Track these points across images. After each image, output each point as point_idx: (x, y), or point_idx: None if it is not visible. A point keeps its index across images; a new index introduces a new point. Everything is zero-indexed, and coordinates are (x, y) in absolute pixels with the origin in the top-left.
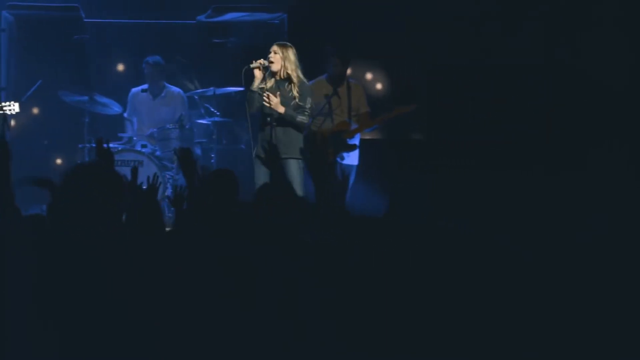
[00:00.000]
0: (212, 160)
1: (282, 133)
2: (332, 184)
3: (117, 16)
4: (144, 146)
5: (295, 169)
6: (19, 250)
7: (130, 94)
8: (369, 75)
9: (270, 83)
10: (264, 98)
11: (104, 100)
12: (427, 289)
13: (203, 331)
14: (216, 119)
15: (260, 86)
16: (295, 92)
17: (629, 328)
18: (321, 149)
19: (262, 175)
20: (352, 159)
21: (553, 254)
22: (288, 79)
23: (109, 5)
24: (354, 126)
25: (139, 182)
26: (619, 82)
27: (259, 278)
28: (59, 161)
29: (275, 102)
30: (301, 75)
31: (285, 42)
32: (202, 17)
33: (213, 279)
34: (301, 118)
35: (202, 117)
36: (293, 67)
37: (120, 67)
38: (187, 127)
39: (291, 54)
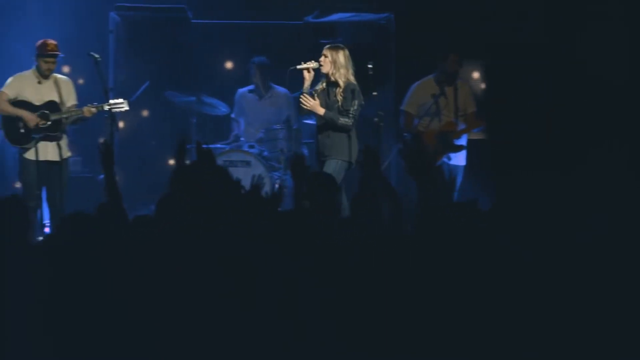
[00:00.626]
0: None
1: (326, 137)
2: (436, 187)
3: (224, 17)
4: (251, 147)
5: (331, 169)
6: (128, 250)
7: (237, 94)
8: (476, 75)
9: (322, 86)
10: (301, 100)
11: (211, 100)
12: (427, 289)
13: (203, 331)
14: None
15: (309, 91)
16: (339, 96)
17: (629, 328)
18: (423, 151)
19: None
20: (459, 159)
21: (553, 254)
22: (336, 82)
23: (215, 6)
24: (461, 126)
25: (245, 183)
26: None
27: (259, 278)
28: (172, 161)
29: (312, 104)
30: (351, 78)
31: (337, 45)
32: (309, 18)
33: (213, 279)
34: (344, 120)
35: (309, 118)
36: (341, 70)
37: (227, 67)
38: (294, 127)
39: (341, 56)
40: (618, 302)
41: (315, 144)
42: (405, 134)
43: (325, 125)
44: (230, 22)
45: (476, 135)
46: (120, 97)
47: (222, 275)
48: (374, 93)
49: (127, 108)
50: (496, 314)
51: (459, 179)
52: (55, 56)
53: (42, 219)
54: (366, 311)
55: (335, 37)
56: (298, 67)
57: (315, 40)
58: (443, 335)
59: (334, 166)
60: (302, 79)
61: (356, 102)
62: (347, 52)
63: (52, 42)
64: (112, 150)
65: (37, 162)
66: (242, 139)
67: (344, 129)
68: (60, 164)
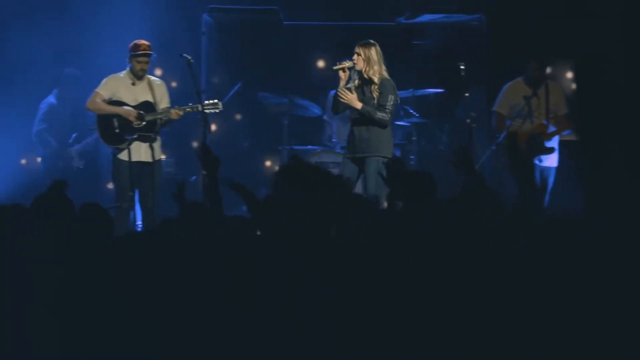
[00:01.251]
0: (412, 162)
1: (364, 131)
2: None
3: (316, 18)
4: (343, 148)
5: (372, 168)
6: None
7: (329, 96)
8: (569, 75)
9: (355, 83)
10: (339, 93)
11: (304, 102)
12: (427, 289)
13: (203, 331)
14: (415, 120)
15: (347, 86)
16: (375, 92)
17: (629, 328)
18: (520, 152)
19: (347, 171)
20: (551, 161)
21: (553, 254)
22: (371, 79)
23: (307, 7)
24: (551, 128)
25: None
26: None
27: (259, 278)
28: (268, 163)
29: (350, 98)
30: (385, 74)
31: (368, 41)
32: (401, 19)
33: (213, 279)
34: (381, 115)
35: (401, 119)
36: (375, 67)
37: (319, 69)
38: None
39: (373, 52)
40: (618, 303)
41: (350, 138)
42: (498, 135)
43: (363, 119)
44: (322, 23)
45: (569, 137)
46: (213, 99)
47: (223, 275)
48: (466, 94)
49: (221, 109)
50: (496, 314)
51: (551, 181)
52: (148, 55)
53: (135, 220)
54: (366, 311)
55: (427, 38)
56: (334, 67)
57: (408, 42)
58: (444, 335)
59: (377, 166)
60: (338, 78)
61: (392, 97)
62: (378, 48)
63: (144, 42)
64: (211, 152)
65: (130, 163)
66: (334, 140)
67: (380, 124)
68: (153, 165)
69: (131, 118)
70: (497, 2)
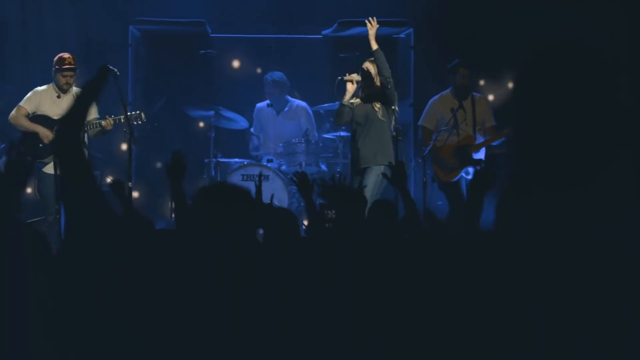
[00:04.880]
0: (337, 175)
1: (365, 145)
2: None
3: (242, 31)
4: (269, 161)
5: (371, 177)
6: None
7: (255, 109)
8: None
9: (357, 99)
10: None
11: (230, 114)
12: (428, 290)
13: (203, 331)
14: (342, 133)
15: (351, 101)
16: (377, 107)
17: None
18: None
19: (354, 183)
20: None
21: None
22: (375, 92)
23: (234, 20)
24: (479, 140)
25: (264, 197)
26: None
27: (257, 278)
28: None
29: (371, 33)
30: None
31: (372, 58)
32: (327, 32)
33: (212, 280)
34: (389, 76)
35: (328, 132)
36: (378, 82)
37: (246, 81)
38: (312, 141)
39: (372, 68)
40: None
41: (353, 152)
42: (424, 149)
43: (363, 132)
44: (249, 36)
45: (496, 149)
46: (139, 111)
47: (221, 275)
48: (392, 107)
49: (144, 120)
50: (498, 315)
51: None
52: (72, 69)
53: (61, 233)
54: (367, 311)
55: (353, 51)
56: (345, 78)
57: (334, 54)
58: (445, 336)
59: (376, 175)
60: (344, 90)
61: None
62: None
63: (68, 55)
64: (183, 161)
65: (56, 177)
66: (260, 152)
67: (389, 77)
68: None
69: (46, 140)
70: (424, 16)
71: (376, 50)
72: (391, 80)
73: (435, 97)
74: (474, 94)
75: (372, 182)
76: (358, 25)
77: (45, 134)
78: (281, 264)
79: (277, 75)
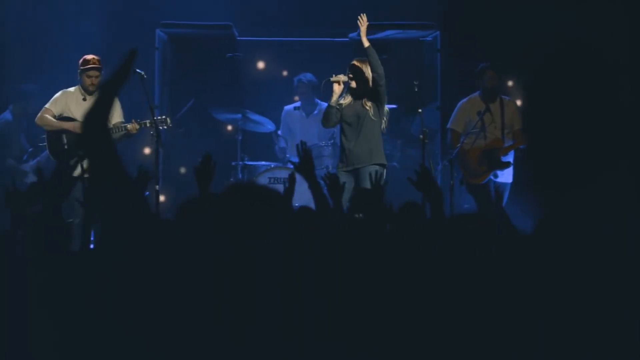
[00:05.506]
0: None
1: (355, 145)
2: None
3: (269, 34)
4: (292, 163)
5: (368, 178)
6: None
7: (283, 111)
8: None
9: (347, 99)
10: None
11: (257, 117)
12: (429, 291)
13: (203, 331)
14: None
15: (339, 102)
16: (367, 105)
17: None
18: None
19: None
20: (506, 177)
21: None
22: (364, 92)
23: (262, 23)
24: (507, 143)
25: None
26: None
27: (257, 278)
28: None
29: (363, 29)
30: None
31: (363, 58)
32: (354, 35)
33: (212, 280)
34: (381, 71)
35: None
36: (369, 82)
37: (273, 84)
38: (339, 144)
39: (368, 69)
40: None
41: (342, 152)
42: (451, 151)
43: (353, 133)
44: (276, 39)
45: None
46: (166, 114)
47: (220, 275)
48: (419, 110)
49: (169, 125)
50: (499, 316)
51: (506, 197)
52: (97, 69)
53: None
54: (368, 312)
55: (381, 54)
56: (331, 79)
57: (361, 57)
58: (446, 336)
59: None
60: (331, 91)
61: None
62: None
63: (93, 56)
64: (212, 165)
65: (82, 179)
66: (287, 156)
67: (381, 74)
68: None
69: (77, 132)
70: (452, 19)
71: (368, 47)
72: (383, 78)
73: (464, 99)
74: (503, 97)
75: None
76: (385, 29)
77: (76, 126)
78: (281, 264)
79: (310, 76)
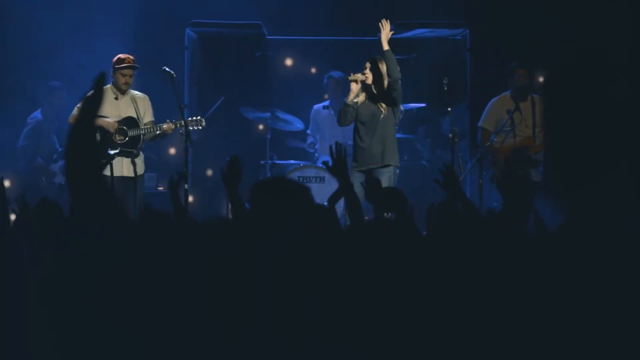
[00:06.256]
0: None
1: (370, 144)
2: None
3: (299, 33)
4: (325, 163)
5: (383, 178)
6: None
7: (312, 110)
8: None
9: (362, 97)
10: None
11: (286, 116)
12: (429, 290)
13: (203, 331)
14: (397, 135)
15: (354, 100)
16: (382, 107)
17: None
18: (509, 167)
19: (356, 184)
20: (535, 175)
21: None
22: (380, 91)
23: (291, 22)
24: (539, 142)
25: (320, 198)
26: None
27: (257, 278)
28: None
29: (385, 34)
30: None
31: (379, 57)
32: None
33: (212, 280)
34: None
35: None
36: (385, 81)
37: (302, 83)
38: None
39: (384, 67)
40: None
41: (355, 151)
42: (481, 150)
43: (368, 132)
44: (305, 38)
45: None
46: (195, 113)
47: (220, 276)
48: (449, 109)
49: (204, 126)
50: (500, 316)
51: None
52: (132, 68)
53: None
54: (368, 312)
55: (411, 52)
56: (349, 78)
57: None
58: (446, 337)
59: (388, 176)
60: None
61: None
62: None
63: (128, 55)
64: (239, 166)
65: (112, 178)
66: (316, 155)
67: (398, 79)
68: (135, 180)
69: (112, 129)
70: (481, 17)
71: (386, 51)
72: (399, 83)
73: (495, 98)
74: (534, 95)
75: (385, 184)
76: (414, 27)
77: (109, 124)
78: (281, 264)
79: (340, 74)
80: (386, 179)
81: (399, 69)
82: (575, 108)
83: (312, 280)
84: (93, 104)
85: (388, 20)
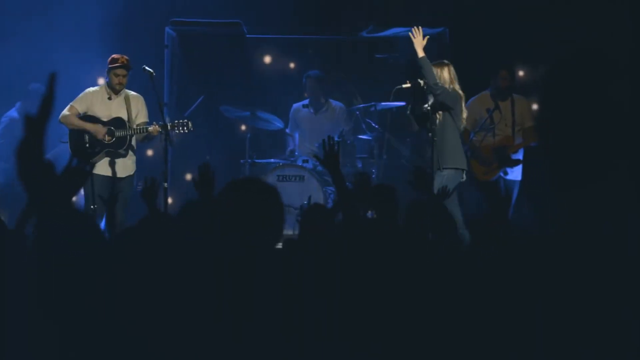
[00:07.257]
0: (373, 176)
1: (435, 149)
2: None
3: (278, 32)
4: (305, 161)
5: (436, 182)
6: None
7: (292, 109)
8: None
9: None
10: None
11: (266, 115)
12: (429, 291)
13: (203, 331)
14: (377, 134)
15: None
16: (439, 116)
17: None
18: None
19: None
20: (515, 174)
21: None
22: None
23: (270, 21)
24: (518, 141)
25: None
26: None
27: (257, 278)
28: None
29: (417, 40)
30: (458, 90)
31: (441, 62)
32: (363, 33)
33: (212, 280)
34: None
35: (364, 133)
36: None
37: (282, 82)
38: (348, 142)
39: (445, 73)
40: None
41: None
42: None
43: (434, 138)
44: (285, 37)
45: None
46: (175, 112)
47: (220, 277)
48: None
49: (191, 128)
50: (501, 317)
51: (515, 194)
52: (124, 68)
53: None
54: (368, 312)
55: (390, 52)
56: (404, 86)
57: (370, 55)
58: (446, 337)
59: (440, 178)
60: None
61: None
62: (452, 68)
63: (123, 56)
64: (211, 173)
65: (101, 177)
66: (296, 153)
67: (434, 84)
68: (122, 180)
69: (99, 136)
70: (461, 16)
71: (421, 58)
72: (439, 86)
73: (474, 97)
74: (514, 95)
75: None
76: (394, 26)
77: (97, 129)
78: (281, 264)
79: (318, 73)
80: (438, 183)
81: (434, 73)
82: (574, 108)
83: (312, 280)
84: (45, 106)
85: (420, 28)
